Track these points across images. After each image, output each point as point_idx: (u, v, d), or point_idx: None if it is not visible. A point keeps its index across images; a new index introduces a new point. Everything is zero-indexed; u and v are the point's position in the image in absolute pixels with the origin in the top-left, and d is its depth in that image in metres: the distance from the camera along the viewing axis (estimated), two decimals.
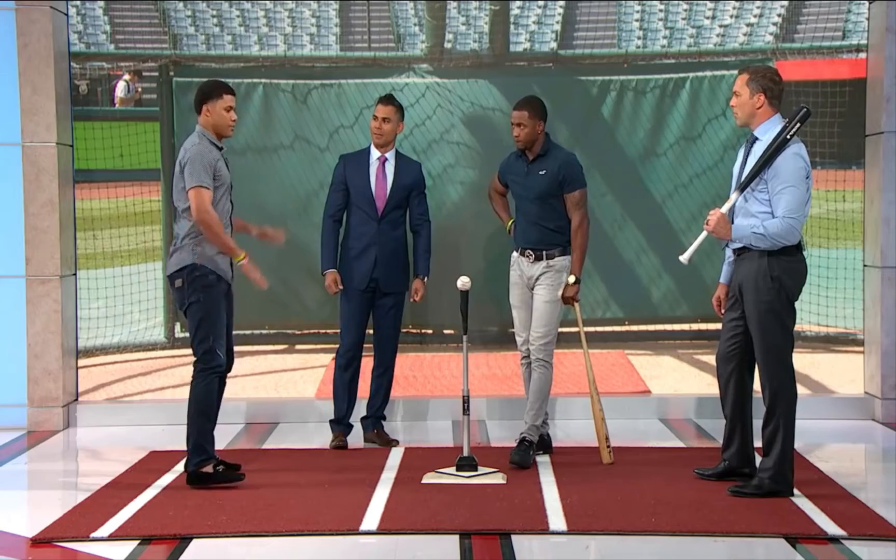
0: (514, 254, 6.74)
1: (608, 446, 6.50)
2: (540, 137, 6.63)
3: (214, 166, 6.04)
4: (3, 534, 5.40)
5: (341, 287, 7.00)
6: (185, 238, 6.07)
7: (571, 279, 6.56)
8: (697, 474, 6.11)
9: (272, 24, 8.45)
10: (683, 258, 5.96)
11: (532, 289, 6.64)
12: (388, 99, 7.05)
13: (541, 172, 6.59)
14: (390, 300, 7.03)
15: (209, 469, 6.01)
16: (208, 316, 6.03)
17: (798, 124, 5.66)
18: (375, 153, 7.05)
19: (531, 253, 6.63)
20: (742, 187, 5.73)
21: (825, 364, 8.25)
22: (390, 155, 7.06)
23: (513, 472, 6.24)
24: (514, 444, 6.70)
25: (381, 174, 7.03)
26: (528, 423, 6.57)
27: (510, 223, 6.88)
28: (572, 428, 7.28)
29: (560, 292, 6.56)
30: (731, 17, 8.42)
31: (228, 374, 6.36)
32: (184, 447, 6.42)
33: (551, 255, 6.60)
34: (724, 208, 5.76)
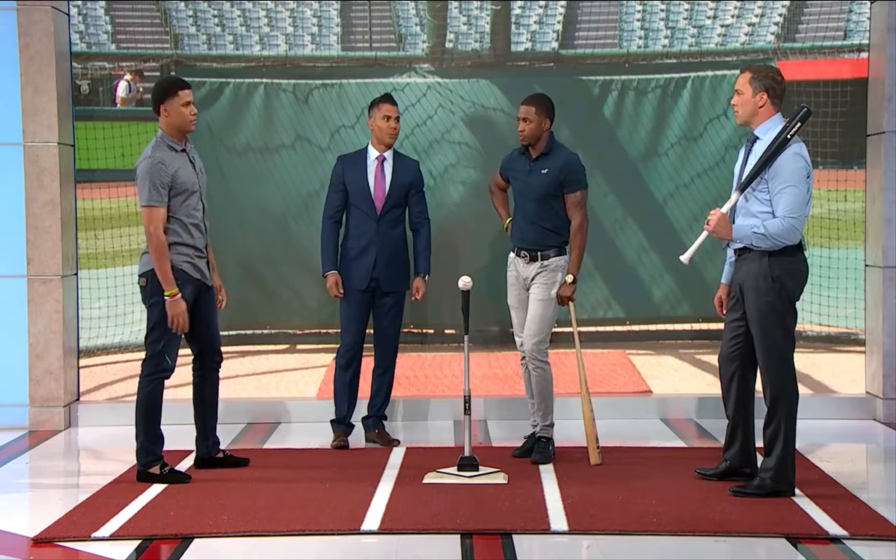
0: (511, 254, 6.74)
1: (597, 447, 6.50)
2: (544, 136, 6.62)
3: (171, 177, 6.05)
4: (5, 533, 5.41)
5: (342, 291, 6.98)
6: None
7: (569, 278, 6.55)
8: (699, 474, 6.11)
9: (273, 23, 8.45)
10: (684, 258, 5.95)
11: (528, 289, 6.64)
12: (392, 97, 7.05)
13: (543, 171, 6.58)
14: (390, 300, 7.03)
15: (156, 470, 6.12)
16: (163, 321, 6.07)
17: (799, 124, 5.65)
18: (374, 153, 7.04)
19: (526, 253, 6.62)
20: (742, 187, 5.72)
21: (827, 364, 8.24)
22: (388, 154, 7.05)
23: (514, 472, 6.24)
24: (519, 444, 6.73)
25: (380, 173, 7.02)
26: (540, 423, 6.62)
27: (507, 221, 6.87)
28: (573, 428, 7.27)
29: (554, 291, 6.55)
30: (733, 16, 8.40)
31: (220, 371, 6.44)
32: (184, 447, 6.47)
33: (546, 255, 6.59)
34: (725, 208, 5.75)
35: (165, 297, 6.01)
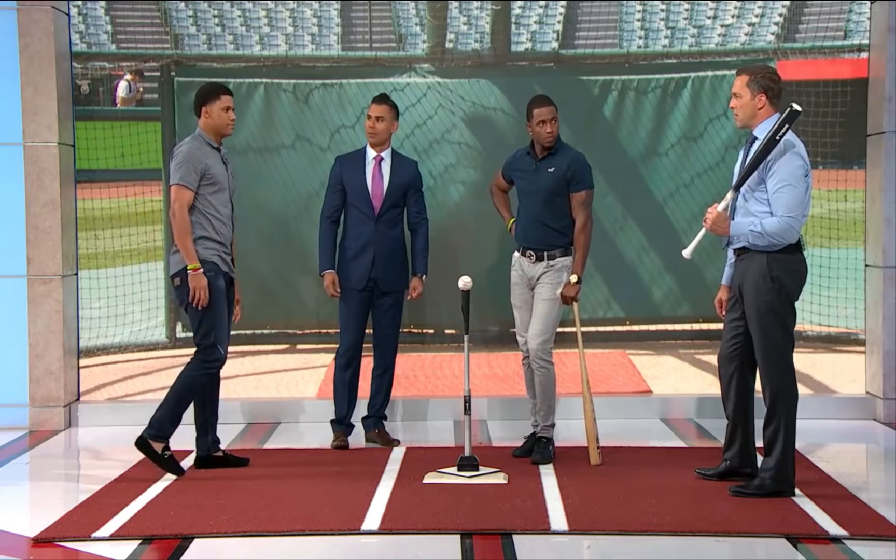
0: (516, 254, 6.73)
1: (598, 447, 6.50)
2: None
3: (204, 166, 6.20)
4: (5, 533, 5.41)
5: (339, 291, 6.98)
6: None
7: (573, 278, 6.55)
8: (699, 474, 6.10)
9: (273, 23, 8.46)
10: (686, 253, 5.94)
11: (533, 288, 6.64)
12: (381, 98, 7.04)
13: (549, 170, 6.58)
14: (389, 299, 7.03)
15: (158, 447, 6.19)
16: (207, 311, 6.18)
17: (787, 126, 5.62)
18: (371, 153, 7.04)
19: (532, 253, 6.62)
20: (737, 186, 5.73)
21: (826, 364, 8.24)
22: (386, 154, 7.05)
23: (514, 472, 6.24)
24: (520, 444, 6.72)
25: (378, 173, 7.01)
26: (541, 423, 6.61)
27: (511, 222, 6.87)
28: (573, 428, 7.27)
29: (559, 291, 6.55)
30: (733, 16, 8.43)
31: (221, 370, 6.46)
32: (184, 447, 6.45)
33: (552, 255, 6.59)
34: (721, 206, 5.76)
35: (188, 272, 6.10)
